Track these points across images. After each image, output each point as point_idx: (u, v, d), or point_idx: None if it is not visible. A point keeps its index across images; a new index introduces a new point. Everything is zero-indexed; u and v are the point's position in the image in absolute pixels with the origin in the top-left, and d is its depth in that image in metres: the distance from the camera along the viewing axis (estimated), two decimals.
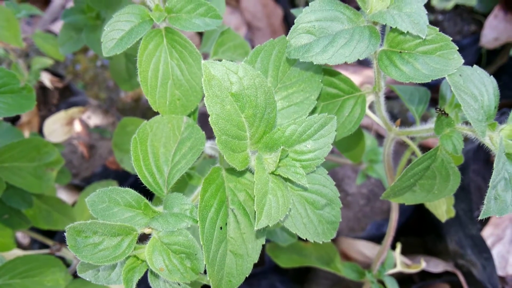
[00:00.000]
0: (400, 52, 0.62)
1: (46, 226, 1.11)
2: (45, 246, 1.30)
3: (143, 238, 0.61)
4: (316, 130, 0.60)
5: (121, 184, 1.48)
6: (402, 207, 1.02)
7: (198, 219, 0.56)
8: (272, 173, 0.59)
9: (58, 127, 1.48)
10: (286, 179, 0.60)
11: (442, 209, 0.81)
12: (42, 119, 1.65)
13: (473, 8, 1.69)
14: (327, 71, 0.71)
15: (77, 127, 1.54)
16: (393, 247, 1.06)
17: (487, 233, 1.23)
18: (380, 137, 1.51)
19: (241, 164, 0.58)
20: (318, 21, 0.61)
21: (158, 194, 0.62)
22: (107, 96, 1.90)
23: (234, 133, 0.56)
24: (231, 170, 0.63)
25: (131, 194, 0.60)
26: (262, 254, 0.62)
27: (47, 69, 1.72)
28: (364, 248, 1.31)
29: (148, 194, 0.64)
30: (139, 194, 0.60)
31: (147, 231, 0.59)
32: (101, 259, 0.55)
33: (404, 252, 1.14)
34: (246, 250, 0.60)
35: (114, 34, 0.68)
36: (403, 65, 0.62)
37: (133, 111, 1.84)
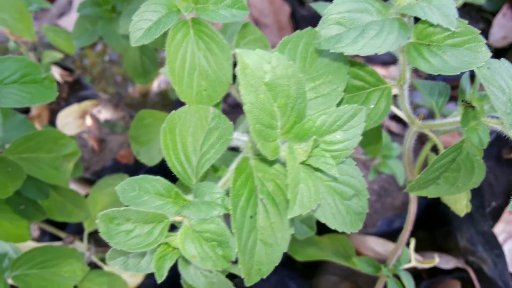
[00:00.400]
0: (428, 44, 0.63)
1: (60, 218, 1.11)
2: (56, 238, 1.30)
3: (172, 226, 0.61)
4: (346, 121, 0.60)
5: None
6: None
7: (230, 208, 0.56)
8: (302, 163, 0.59)
9: (71, 120, 1.48)
10: (316, 169, 0.60)
11: (462, 203, 0.81)
12: (52, 112, 1.65)
13: (482, 7, 1.70)
14: (353, 63, 0.71)
15: (88, 121, 1.54)
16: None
17: (499, 229, 1.23)
18: (391, 133, 1.51)
19: (272, 153, 0.58)
20: (348, 12, 0.61)
21: (187, 183, 0.63)
22: (115, 91, 1.89)
23: (267, 122, 0.56)
24: (259, 160, 0.63)
25: (161, 182, 0.60)
26: None
27: (56, 63, 1.72)
28: (375, 244, 1.32)
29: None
30: (169, 183, 0.60)
31: (178, 219, 0.59)
32: (134, 246, 0.55)
33: (414, 248, 1.14)
34: (275, 239, 0.61)
35: (142, 24, 0.68)
36: (431, 58, 0.62)
37: (142, 106, 1.83)
